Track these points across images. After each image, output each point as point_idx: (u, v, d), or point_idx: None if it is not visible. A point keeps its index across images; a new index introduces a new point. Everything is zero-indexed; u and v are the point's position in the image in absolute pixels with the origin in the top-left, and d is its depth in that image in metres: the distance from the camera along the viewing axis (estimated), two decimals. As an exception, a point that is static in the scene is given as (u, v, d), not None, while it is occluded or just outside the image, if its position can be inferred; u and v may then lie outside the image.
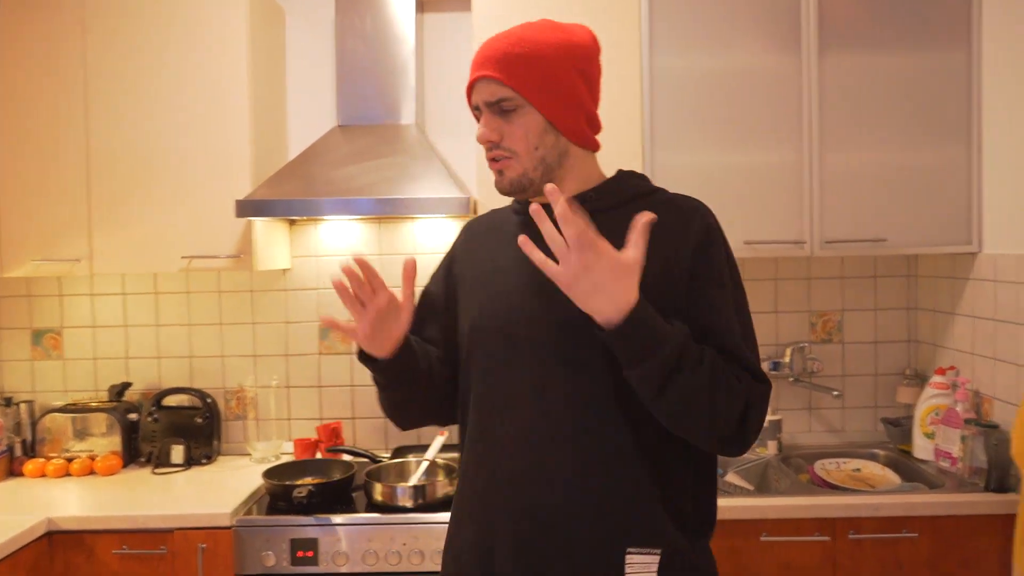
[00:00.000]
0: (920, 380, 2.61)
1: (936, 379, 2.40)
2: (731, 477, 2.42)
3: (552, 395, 1.23)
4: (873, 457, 2.51)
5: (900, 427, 2.54)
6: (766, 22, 2.34)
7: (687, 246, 1.23)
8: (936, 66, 2.33)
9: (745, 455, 2.55)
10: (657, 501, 1.22)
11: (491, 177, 2.39)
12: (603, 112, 2.32)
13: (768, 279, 2.71)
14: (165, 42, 2.38)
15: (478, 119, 1.29)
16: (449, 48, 2.72)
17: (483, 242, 1.43)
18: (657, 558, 1.20)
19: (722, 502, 2.11)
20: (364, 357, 1.29)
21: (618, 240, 1.13)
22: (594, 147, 1.34)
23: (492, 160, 1.28)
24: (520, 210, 1.37)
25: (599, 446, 1.22)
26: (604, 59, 2.30)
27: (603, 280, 1.07)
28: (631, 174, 1.38)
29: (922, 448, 2.40)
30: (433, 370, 1.37)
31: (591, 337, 1.14)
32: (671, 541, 1.22)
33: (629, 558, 1.20)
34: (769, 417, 2.56)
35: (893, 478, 2.34)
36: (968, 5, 2.31)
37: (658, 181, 2.32)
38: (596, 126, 1.33)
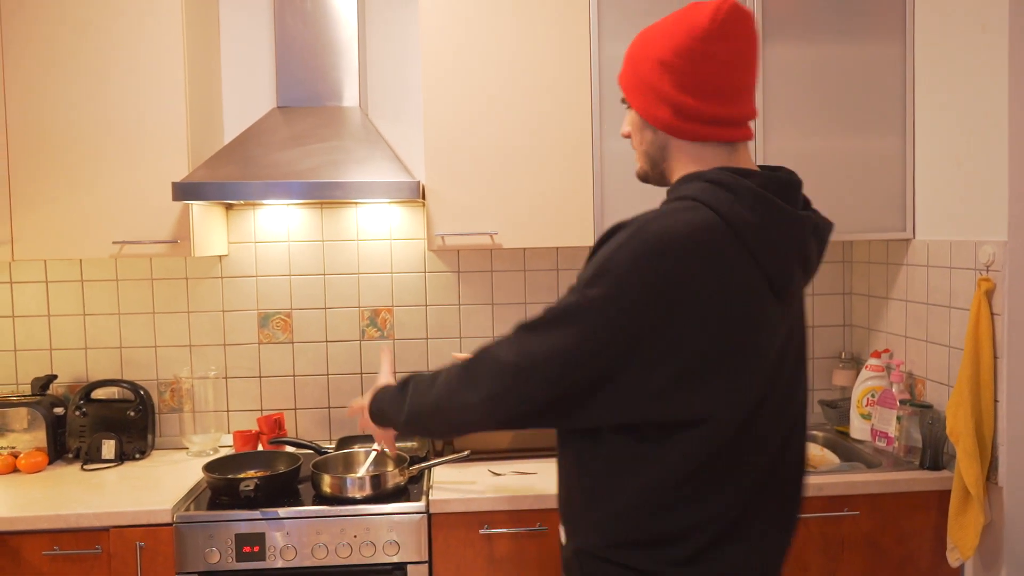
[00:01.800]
0: (856, 363, 2.69)
1: (872, 362, 2.48)
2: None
3: None
4: (812, 439, 2.58)
5: (837, 409, 2.61)
6: (712, 11, 2.36)
7: None
8: (873, 57, 2.40)
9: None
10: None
11: (438, 162, 2.37)
12: (553, 99, 2.33)
13: (710, 265, 2.75)
14: (93, 15, 2.25)
15: None
16: (394, 29, 2.66)
17: None
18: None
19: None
20: None
21: None
22: (702, 136, 1.24)
23: None
24: None
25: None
26: (553, 47, 2.32)
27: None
28: (695, 176, 1.23)
29: (859, 429, 2.48)
30: None
31: None
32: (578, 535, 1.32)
33: (561, 528, 1.36)
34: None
35: (832, 458, 2.41)
36: (903, 0, 2.39)
37: (607, 168, 2.35)
38: (698, 115, 1.22)
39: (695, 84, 1.21)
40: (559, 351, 1.15)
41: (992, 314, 2.03)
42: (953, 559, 2.10)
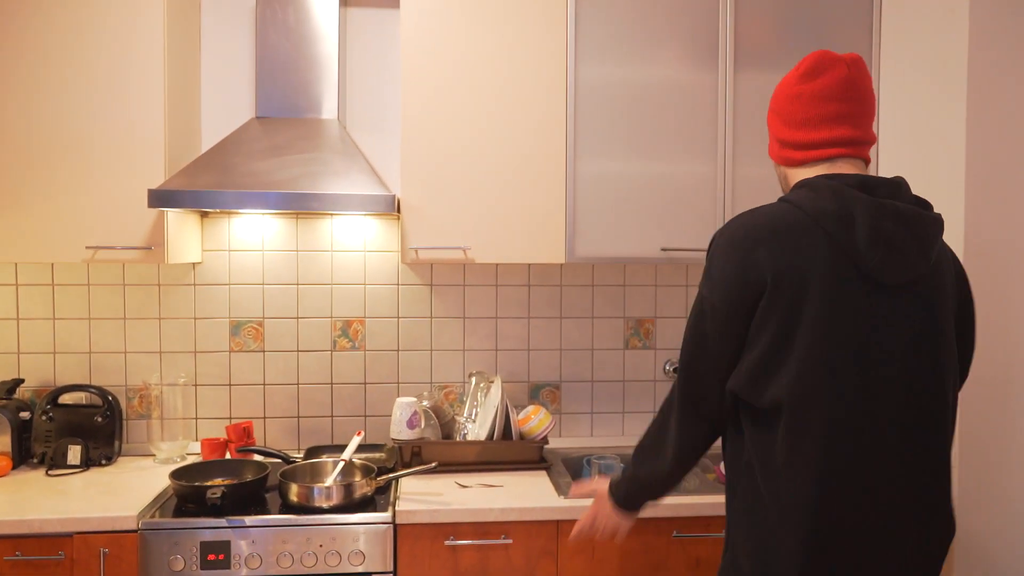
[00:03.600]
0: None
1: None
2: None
3: None
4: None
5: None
6: (686, 39, 2.43)
7: None
8: (839, 89, 2.47)
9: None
10: None
11: (414, 176, 2.40)
12: (529, 119, 2.38)
13: (680, 285, 2.81)
14: (74, 22, 2.26)
15: None
16: (373, 44, 2.69)
17: None
18: None
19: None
20: None
21: None
22: (794, 161, 1.51)
23: None
24: None
25: None
26: (530, 67, 2.37)
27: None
28: (799, 185, 1.46)
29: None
30: None
31: None
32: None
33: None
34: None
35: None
36: (870, 33, 2.47)
37: (580, 187, 2.40)
38: (788, 140, 1.51)
39: (789, 119, 1.50)
40: (694, 351, 1.47)
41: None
42: None
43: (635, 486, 1.64)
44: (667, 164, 2.44)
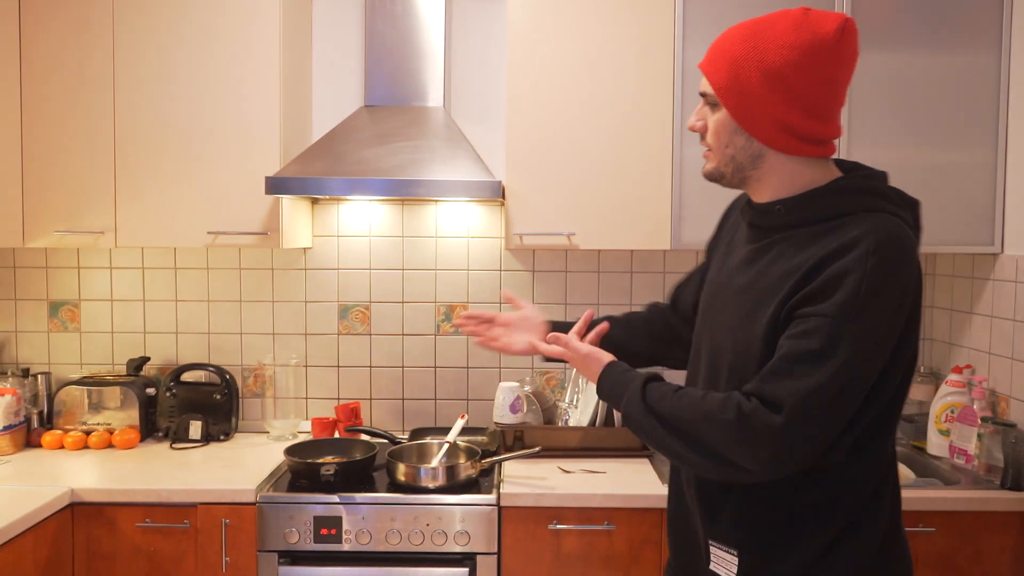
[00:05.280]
0: (934, 378, 2.64)
1: (952, 377, 2.43)
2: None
3: None
4: (886, 452, 2.53)
5: (914, 423, 2.56)
6: (798, 17, 2.34)
7: (805, 267, 1.19)
8: (966, 67, 2.34)
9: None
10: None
11: (518, 163, 2.41)
12: (635, 104, 2.35)
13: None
14: (196, 13, 2.37)
15: None
16: (479, 32, 2.71)
17: (732, 221, 1.49)
18: (736, 559, 1.28)
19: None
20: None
21: (782, 263, 1.23)
22: (802, 153, 1.24)
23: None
24: (743, 208, 1.39)
25: None
26: (637, 52, 2.34)
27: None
28: (836, 189, 1.24)
29: (936, 445, 2.43)
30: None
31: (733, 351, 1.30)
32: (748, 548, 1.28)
33: (712, 550, 1.33)
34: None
35: (908, 473, 2.37)
36: (1000, 9, 2.33)
37: (685, 173, 2.36)
38: (803, 133, 1.21)
39: (808, 104, 1.19)
40: (842, 388, 1.16)
41: (1084, 333, 1.97)
42: (1033, 583, 2.04)
43: (634, 404, 1.27)
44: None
